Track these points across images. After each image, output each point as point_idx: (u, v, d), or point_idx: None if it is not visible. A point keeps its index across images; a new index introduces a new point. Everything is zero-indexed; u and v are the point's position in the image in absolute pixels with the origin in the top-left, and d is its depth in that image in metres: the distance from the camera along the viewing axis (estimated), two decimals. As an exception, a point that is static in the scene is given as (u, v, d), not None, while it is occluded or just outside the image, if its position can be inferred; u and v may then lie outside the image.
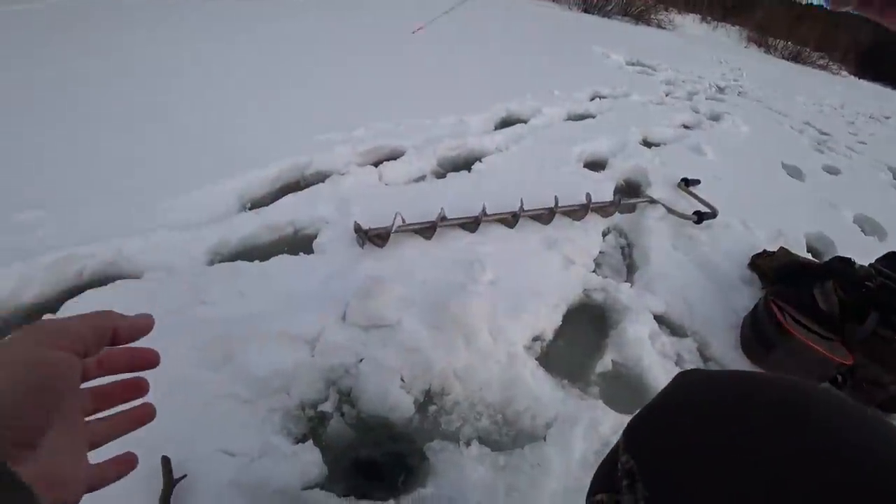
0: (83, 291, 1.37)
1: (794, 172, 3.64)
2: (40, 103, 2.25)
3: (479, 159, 2.46)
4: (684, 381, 0.54)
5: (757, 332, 1.64)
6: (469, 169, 2.37)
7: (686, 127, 4.00)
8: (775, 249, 2.10)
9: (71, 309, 1.31)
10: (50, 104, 2.26)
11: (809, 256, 2.22)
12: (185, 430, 1.05)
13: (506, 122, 3.14)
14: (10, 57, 2.65)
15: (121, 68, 2.74)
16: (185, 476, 0.96)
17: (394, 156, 2.34)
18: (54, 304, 1.33)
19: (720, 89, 6.05)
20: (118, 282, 1.42)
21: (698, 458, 0.42)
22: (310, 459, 1.04)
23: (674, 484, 0.43)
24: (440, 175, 2.33)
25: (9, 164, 1.80)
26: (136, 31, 3.43)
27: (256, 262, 1.54)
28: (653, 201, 2.36)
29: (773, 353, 1.57)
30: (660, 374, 1.48)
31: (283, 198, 1.87)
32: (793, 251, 2.09)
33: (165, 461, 0.96)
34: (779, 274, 1.89)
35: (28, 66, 2.58)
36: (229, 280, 1.44)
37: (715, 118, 4.46)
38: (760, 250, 2.13)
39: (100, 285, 1.41)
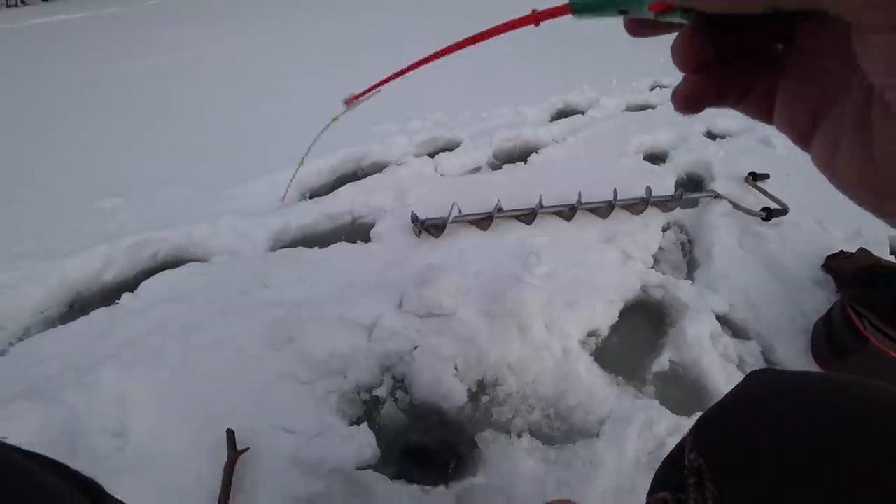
0: (157, 273, 1.47)
1: (878, 168, 3.36)
2: (117, 99, 2.42)
3: (535, 151, 2.42)
4: (759, 380, 0.51)
5: (831, 338, 1.53)
6: (525, 160, 2.35)
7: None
8: (853, 251, 1.95)
9: (147, 289, 1.40)
10: (125, 100, 2.41)
11: (893, 259, 2.04)
12: (249, 405, 1.11)
13: (562, 113, 3.06)
14: (88, 56, 2.85)
15: (188, 67, 2.89)
16: (247, 449, 1.01)
17: (450, 147, 2.35)
18: (133, 284, 1.44)
19: (794, 78, 5.67)
20: (188, 264, 1.52)
21: (776, 459, 0.40)
22: (364, 441, 1.08)
23: (747, 483, 0.41)
24: (496, 166, 2.32)
25: (93, 155, 1.95)
26: (199, 30, 3.60)
27: (316, 248, 1.60)
28: (717, 196, 2.25)
29: (849, 362, 1.46)
30: (720, 377, 1.42)
31: (342, 188, 1.92)
32: (874, 253, 1.94)
33: (230, 434, 1.02)
34: (858, 277, 1.75)
35: (102, 66, 2.76)
36: (290, 265, 1.50)
37: (788, 109, 4.18)
38: (836, 251, 1.98)
39: (172, 267, 1.50)
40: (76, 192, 1.74)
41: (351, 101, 1.07)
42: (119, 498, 0.92)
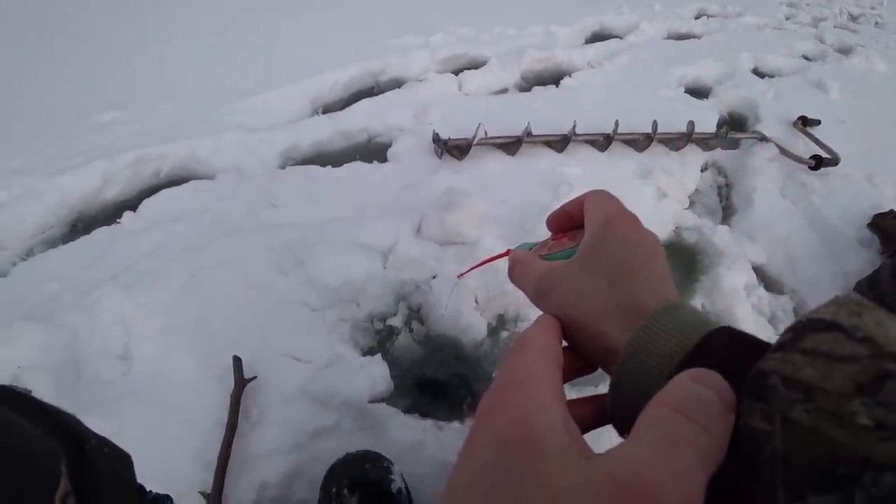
0: (160, 191, 1.37)
1: (937, 124, 3.09)
2: (117, 8, 2.23)
3: (568, 74, 2.24)
4: None
5: (876, 301, 1.42)
6: (557, 84, 2.17)
7: (807, 58, 3.44)
8: (904, 211, 1.79)
9: (149, 207, 1.32)
10: (126, 8, 2.23)
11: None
12: (256, 332, 1.04)
13: (598, 37, 2.83)
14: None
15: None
16: (255, 377, 0.95)
17: (475, 65, 2.17)
18: (134, 202, 1.35)
19: (853, 17, 5.17)
20: (192, 182, 1.42)
21: None
22: (377, 373, 1.01)
23: None
24: (524, 89, 2.14)
25: (91, 65, 1.80)
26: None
27: (329, 167, 1.48)
28: (764, 138, 2.07)
29: (895, 326, 1.36)
30: (749, 330, 1.32)
31: (357, 104, 1.77)
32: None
33: (237, 361, 0.95)
34: (911, 239, 1.62)
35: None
36: (301, 184, 1.39)
37: (844, 51, 3.81)
38: (886, 210, 1.83)
39: (175, 185, 1.41)
40: (72, 104, 1.62)
41: (461, 276, 1.17)
42: (129, 422, 0.87)
